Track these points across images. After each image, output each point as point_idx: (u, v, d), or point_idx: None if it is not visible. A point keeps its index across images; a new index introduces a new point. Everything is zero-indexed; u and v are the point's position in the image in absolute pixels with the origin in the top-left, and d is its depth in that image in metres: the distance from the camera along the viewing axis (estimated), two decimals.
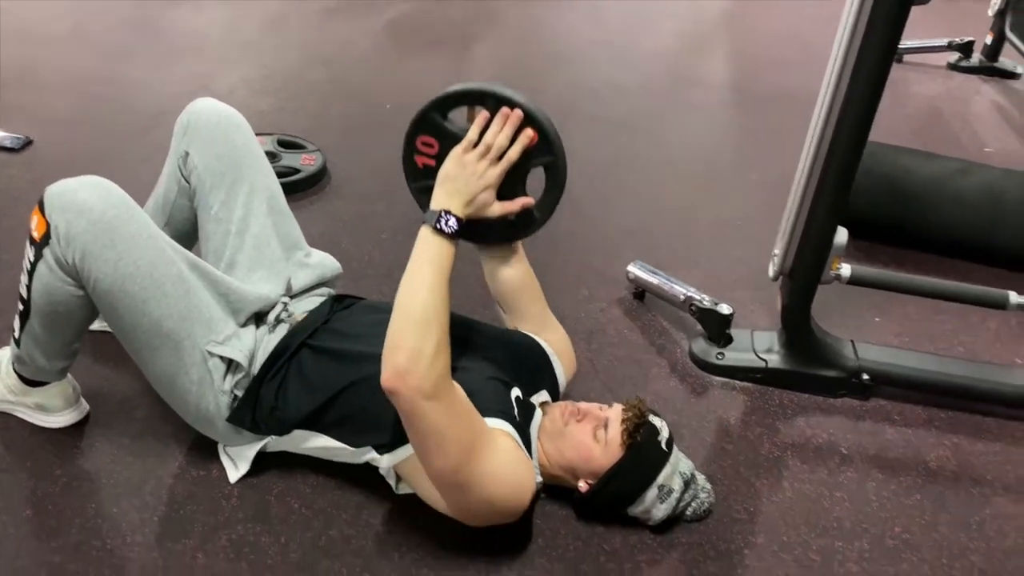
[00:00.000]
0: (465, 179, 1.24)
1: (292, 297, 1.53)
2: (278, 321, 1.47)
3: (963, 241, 2.26)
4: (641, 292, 2.04)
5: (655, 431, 1.38)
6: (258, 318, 1.47)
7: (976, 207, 2.22)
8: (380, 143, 2.66)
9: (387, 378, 1.15)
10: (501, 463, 1.23)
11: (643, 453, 1.37)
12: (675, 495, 1.39)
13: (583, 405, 1.44)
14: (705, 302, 1.84)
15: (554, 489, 1.45)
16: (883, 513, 1.53)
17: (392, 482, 1.39)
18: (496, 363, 1.41)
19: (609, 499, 1.39)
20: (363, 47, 3.44)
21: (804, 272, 1.65)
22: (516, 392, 1.39)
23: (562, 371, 1.55)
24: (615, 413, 1.40)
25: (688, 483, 1.42)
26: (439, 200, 1.25)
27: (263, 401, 1.39)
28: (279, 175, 2.27)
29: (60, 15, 3.45)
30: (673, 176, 2.66)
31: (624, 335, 1.92)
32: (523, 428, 1.35)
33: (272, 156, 2.39)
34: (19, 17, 3.38)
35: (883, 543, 1.47)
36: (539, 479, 1.40)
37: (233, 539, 1.35)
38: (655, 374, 1.82)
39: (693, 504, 1.44)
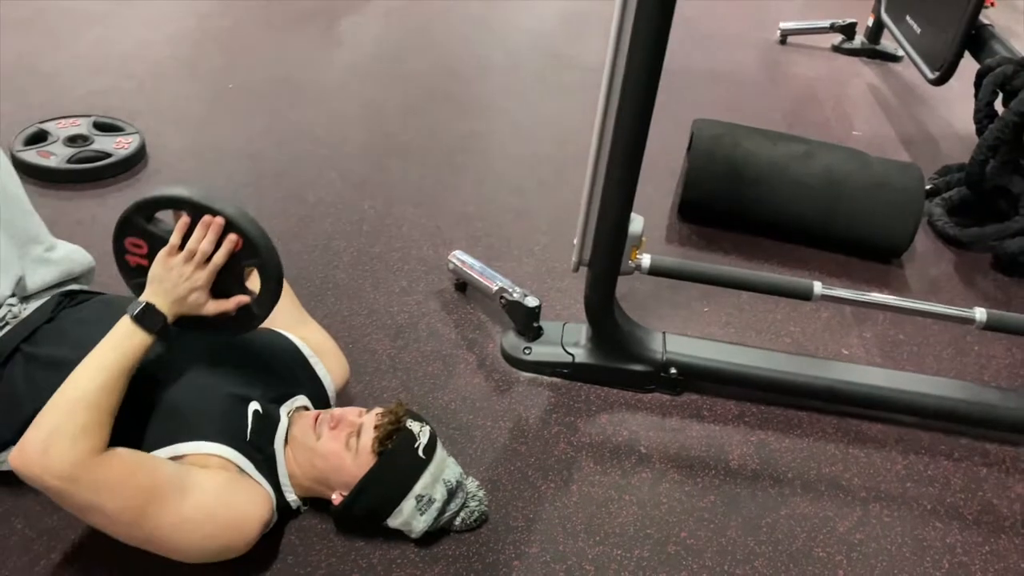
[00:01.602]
0: (172, 281, 1.20)
1: (28, 297, 1.39)
2: (3, 324, 1.33)
3: (803, 226, 2.20)
4: (463, 283, 1.94)
5: (411, 437, 1.28)
6: None
7: (816, 191, 2.16)
8: (211, 125, 2.52)
9: (13, 454, 1.07)
10: (196, 505, 1.14)
11: (396, 461, 1.27)
12: (436, 505, 1.30)
13: (338, 411, 1.33)
14: (515, 294, 1.74)
15: (319, 502, 1.35)
16: (671, 517, 1.46)
17: None
18: (233, 373, 1.30)
19: (363, 511, 1.29)
20: (221, 23, 3.25)
21: (601, 263, 1.56)
22: (254, 406, 1.28)
23: (326, 371, 1.44)
24: (370, 419, 1.30)
25: (453, 492, 1.32)
26: (146, 295, 1.21)
27: None
28: (87, 160, 2.17)
29: None
30: (521, 160, 2.55)
31: (435, 329, 1.82)
32: (260, 446, 1.26)
33: (83, 139, 2.23)
34: None
35: (665, 550, 1.39)
36: (292, 496, 1.31)
37: None
38: (460, 371, 1.72)
39: (462, 514, 1.35)
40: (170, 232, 1.21)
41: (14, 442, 1.23)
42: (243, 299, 1.25)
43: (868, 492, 1.55)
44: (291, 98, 2.74)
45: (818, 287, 1.60)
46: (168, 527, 1.12)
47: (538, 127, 2.75)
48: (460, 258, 1.90)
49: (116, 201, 2.09)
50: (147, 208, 1.22)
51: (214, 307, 1.23)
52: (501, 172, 2.47)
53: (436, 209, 2.24)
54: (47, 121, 2.28)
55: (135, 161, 2.22)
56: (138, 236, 1.23)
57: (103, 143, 2.23)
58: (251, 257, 1.23)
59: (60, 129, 2.25)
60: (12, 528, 1.29)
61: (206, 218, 1.20)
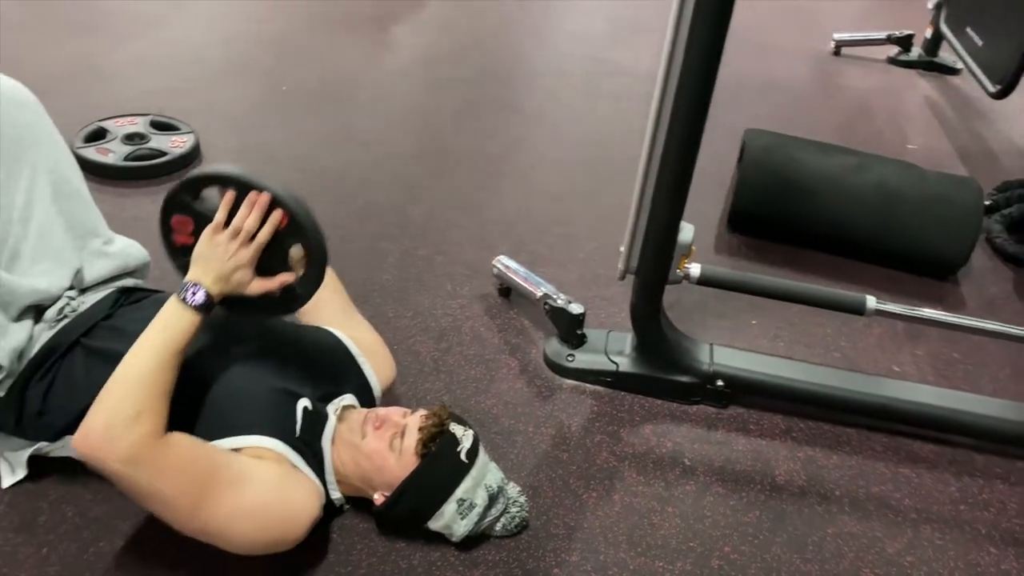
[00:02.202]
0: (218, 259, 1.20)
1: (85, 290, 1.42)
2: (62, 316, 1.36)
3: (855, 240, 2.16)
4: (507, 288, 1.93)
5: (454, 441, 1.28)
6: (40, 312, 1.35)
7: (869, 204, 2.12)
8: (264, 126, 2.56)
9: (76, 439, 1.09)
10: (253, 497, 1.15)
11: (438, 465, 1.27)
12: (477, 510, 1.29)
13: (382, 411, 1.33)
14: (559, 300, 1.74)
15: (361, 501, 1.35)
16: (715, 531, 1.43)
17: None
18: (283, 369, 1.31)
19: (404, 513, 1.29)
20: (275, 26, 3.30)
21: (649, 271, 1.54)
22: (304, 403, 1.29)
23: (373, 372, 1.45)
24: (414, 420, 1.30)
25: (494, 497, 1.31)
26: (192, 274, 1.21)
27: (30, 404, 1.28)
28: (143, 157, 2.22)
29: None
30: (567, 166, 2.55)
31: (479, 334, 1.82)
32: (309, 442, 1.27)
33: (140, 138, 2.28)
34: None
35: (708, 564, 1.37)
36: (337, 494, 1.31)
37: None
38: (503, 376, 1.71)
39: (502, 519, 1.34)
40: (215, 210, 1.21)
41: (67, 431, 1.27)
42: (287, 278, 1.24)
43: (919, 513, 1.51)
44: (342, 101, 2.77)
45: (872, 301, 1.56)
46: (224, 517, 1.13)
47: (584, 133, 2.74)
48: (504, 263, 1.90)
49: None
50: (194, 185, 1.22)
51: (258, 286, 1.23)
52: (547, 178, 2.47)
53: (482, 213, 2.24)
54: (106, 119, 2.33)
55: (190, 160, 2.27)
56: (184, 213, 1.24)
57: (159, 141, 2.28)
58: (296, 235, 1.22)
59: (118, 127, 2.30)
60: (63, 515, 1.31)
61: (252, 195, 1.19)
